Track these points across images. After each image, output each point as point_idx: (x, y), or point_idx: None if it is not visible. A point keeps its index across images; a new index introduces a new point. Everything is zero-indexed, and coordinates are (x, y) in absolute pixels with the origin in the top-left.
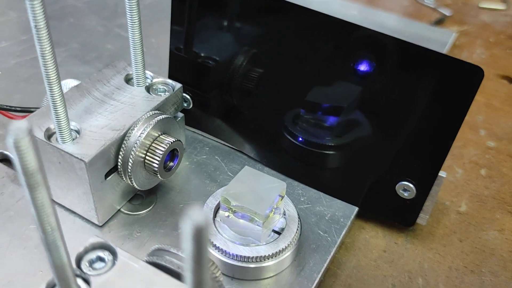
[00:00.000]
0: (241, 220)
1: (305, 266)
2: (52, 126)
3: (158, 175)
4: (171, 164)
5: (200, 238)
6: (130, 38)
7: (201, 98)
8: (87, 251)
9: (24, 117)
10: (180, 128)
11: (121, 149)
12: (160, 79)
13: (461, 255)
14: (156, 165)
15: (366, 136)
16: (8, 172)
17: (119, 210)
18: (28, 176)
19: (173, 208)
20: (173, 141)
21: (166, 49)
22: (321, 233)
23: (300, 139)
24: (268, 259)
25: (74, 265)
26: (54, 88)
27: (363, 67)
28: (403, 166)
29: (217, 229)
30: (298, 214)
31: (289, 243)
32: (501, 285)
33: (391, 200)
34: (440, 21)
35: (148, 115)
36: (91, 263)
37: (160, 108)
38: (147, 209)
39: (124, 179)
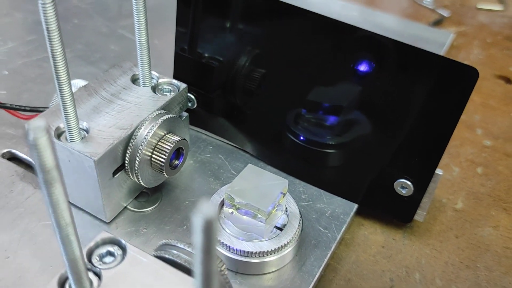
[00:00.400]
0: (245, 217)
1: (306, 261)
2: (61, 125)
3: (164, 173)
4: (177, 162)
5: (209, 230)
6: (137, 40)
7: (205, 98)
8: (97, 245)
9: (32, 116)
10: (185, 127)
11: (129, 147)
12: (165, 79)
13: (457, 251)
14: (162, 163)
15: (365, 135)
16: (17, 170)
17: (125, 207)
18: (45, 173)
19: (178, 205)
20: (179, 139)
21: (170, 50)
22: (322, 229)
23: (302, 138)
24: (271, 254)
25: (85, 259)
26: (64, 88)
27: (362, 68)
28: (401, 164)
29: (221, 225)
30: (299, 211)
31: (290, 239)
32: (495, 280)
33: (390, 197)
34: (438, 22)
35: (154, 115)
36: (101, 257)
37: (165, 107)
38: (153, 206)
39: (131, 176)
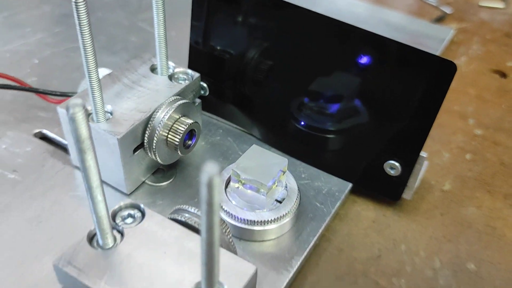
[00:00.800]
0: (249, 191)
1: (302, 231)
2: (89, 107)
3: (178, 152)
4: (190, 142)
5: (212, 185)
6: (156, 34)
7: (216, 87)
8: (121, 209)
9: (62, 101)
10: (197, 112)
11: (147, 128)
12: (181, 69)
13: (441, 227)
14: (177, 143)
15: (359, 122)
16: (48, 149)
17: (144, 181)
18: (81, 142)
19: (190, 181)
20: (192, 122)
21: (185, 42)
22: (318, 204)
23: (303, 124)
24: (271, 223)
25: (110, 219)
26: (92, 75)
27: (358, 62)
28: (390, 147)
29: (228, 198)
30: (298, 187)
31: (288, 211)
32: (474, 253)
33: (380, 177)
34: (440, 19)
35: (170, 100)
36: (123, 218)
37: (180, 94)
38: (168, 181)
39: (149, 154)
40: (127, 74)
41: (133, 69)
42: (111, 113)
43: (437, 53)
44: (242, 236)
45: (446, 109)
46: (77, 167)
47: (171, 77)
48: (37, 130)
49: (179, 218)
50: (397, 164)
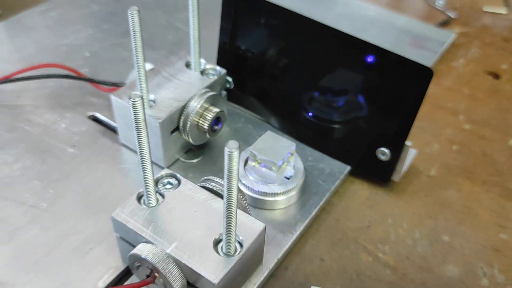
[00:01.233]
0: (263, 168)
1: (306, 203)
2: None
3: (207, 135)
4: (216, 127)
5: (232, 157)
6: (191, 35)
7: (240, 81)
8: (162, 177)
9: (112, 89)
10: (223, 102)
11: (182, 114)
12: (210, 66)
13: (424, 206)
14: (206, 127)
15: (358, 115)
16: (99, 129)
17: (178, 158)
18: (138, 123)
19: (216, 159)
20: (218, 111)
21: (213, 41)
22: (321, 182)
23: (311, 115)
24: (280, 195)
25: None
26: (141, 70)
27: (358, 65)
28: (382, 136)
29: (246, 174)
30: (304, 167)
31: (295, 186)
32: (450, 228)
33: (373, 162)
34: (445, 23)
35: (202, 92)
36: (164, 184)
37: (210, 87)
38: (197, 159)
39: (183, 136)
40: (166, 68)
41: (171, 65)
42: (154, 101)
43: (436, 55)
44: (256, 205)
45: (441, 106)
46: (124, 145)
47: (202, 72)
48: (90, 113)
49: (207, 185)
50: (387, 150)
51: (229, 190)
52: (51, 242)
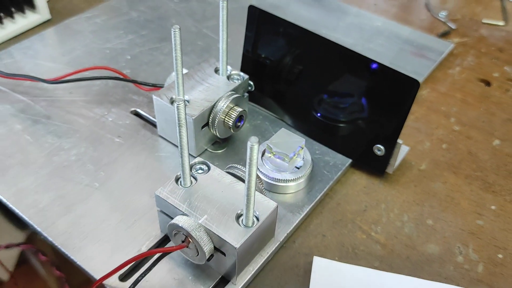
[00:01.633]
0: (277, 159)
1: (312, 189)
2: (174, 96)
3: (231, 130)
4: (239, 124)
5: (253, 149)
6: (220, 46)
7: (260, 84)
8: (195, 163)
9: (151, 89)
10: (246, 102)
11: (212, 112)
12: (235, 72)
13: (413, 194)
14: (230, 124)
15: (360, 116)
16: (140, 122)
17: (206, 149)
18: (180, 120)
19: (238, 151)
20: (241, 110)
21: (238, 47)
22: (325, 172)
23: (319, 115)
24: (290, 181)
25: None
26: (179, 75)
27: (362, 73)
28: (378, 135)
29: (263, 163)
30: (312, 159)
31: (303, 174)
32: (434, 214)
33: (370, 156)
34: (445, 33)
35: (228, 94)
36: (196, 170)
37: (234, 89)
38: (222, 150)
39: (211, 130)
40: (198, 73)
41: (202, 70)
42: (188, 101)
43: (435, 64)
44: (271, 189)
45: (435, 109)
46: (161, 137)
47: (228, 77)
48: (132, 109)
49: (231, 171)
50: (382, 147)
51: (250, 175)
52: (102, 214)
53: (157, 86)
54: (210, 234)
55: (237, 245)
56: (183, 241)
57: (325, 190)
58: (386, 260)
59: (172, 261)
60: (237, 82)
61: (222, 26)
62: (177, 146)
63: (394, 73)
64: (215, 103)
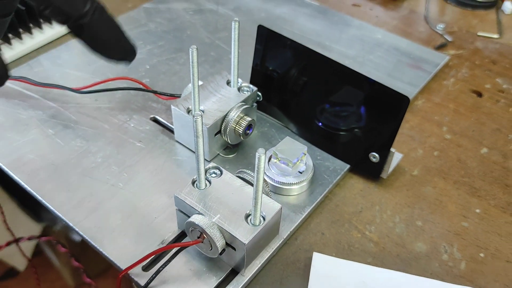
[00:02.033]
0: (282, 164)
1: (313, 192)
2: (190, 107)
3: (241, 137)
4: (248, 132)
5: (260, 159)
6: (232, 61)
7: (267, 95)
8: (209, 168)
9: (169, 98)
10: (254, 112)
11: (224, 121)
12: (245, 84)
13: (405, 198)
14: (241, 132)
15: (358, 125)
16: (159, 128)
17: (218, 154)
18: (197, 132)
19: (247, 155)
20: (250, 119)
21: (248, 58)
22: (326, 176)
23: (321, 124)
24: (294, 185)
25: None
26: (195, 89)
27: (360, 88)
28: (373, 144)
29: (269, 167)
30: (313, 164)
31: (305, 178)
32: (423, 216)
33: (367, 162)
34: (442, 46)
35: (238, 105)
36: (210, 174)
37: (244, 100)
38: (233, 155)
39: (223, 137)
40: (211, 85)
41: (215, 82)
42: (203, 111)
43: (430, 75)
44: (276, 191)
45: (429, 118)
46: (178, 142)
47: (239, 89)
48: (152, 116)
49: (241, 176)
50: (376, 154)
51: (257, 180)
52: (126, 211)
53: (174, 96)
54: (222, 231)
55: (246, 241)
56: (198, 237)
57: (325, 192)
58: (378, 256)
59: (188, 254)
60: (247, 94)
61: (234, 44)
62: (192, 151)
63: (387, 89)
64: (227, 113)
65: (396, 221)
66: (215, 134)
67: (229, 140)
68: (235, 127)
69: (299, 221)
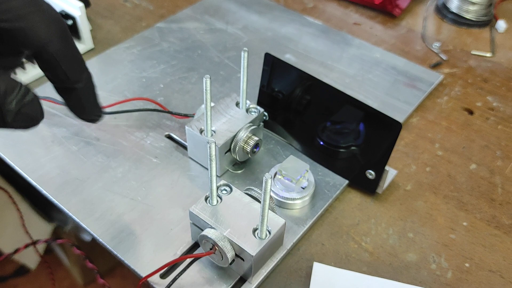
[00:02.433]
0: (286, 180)
1: (315, 205)
2: (202, 127)
3: (249, 155)
4: (255, 150)
5: (267, 182)
6: (241, 86)
7: (273, 114)
8: (220, 185)
9: (183, 117)
10: (261, 131)
11: (233, 141)
12: (253, 105)
13: (398, 211)
14: (248, 150)
15: (356, 143)
16: (173, 145)
17: (227, 170)
18: (211, 156)
19: (254, 171)
20: (258, 139)
21: (254, 78)
22: (326, 191)
23: (322, 143)
24: (297, 200)
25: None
26: (208, 112)
27: (358, 110)
28: (369, 162)
29: (274, 183)
30: (315, 180)
31: (308, 193)
32: (414, 228)
33: (363, 179)
34: (437, 64)
35: (247, 126)
36: (221, 190)
37: (252, 121)
38: (241, 171)
39: (233, 155)
40: (222, 106)
41: (225, 104)
42: (214, 131)
43: (425, 94)
44: (280, 205)
45: (422, 135)
46: (191, 158)
47: (247, 110)
48: (166, 133)
49: (249, 193)
50: (372, 172)
51: (264, 200)
52: (145, 223)
53: (187, 116)
54: (232, 243)
55: (253, 253)
56: (210, 249)
57: (325, 206)
58: (372, 265)
59: (201, 264)
60: (254, 115)
61: (243, 72)
62: (204, 167)
63: (381, 115)
64: (236, 133)
65: (390, 233)
66: (225, 152)
67: (238, 157)
68: (243, 146)
69: (301, 232)
